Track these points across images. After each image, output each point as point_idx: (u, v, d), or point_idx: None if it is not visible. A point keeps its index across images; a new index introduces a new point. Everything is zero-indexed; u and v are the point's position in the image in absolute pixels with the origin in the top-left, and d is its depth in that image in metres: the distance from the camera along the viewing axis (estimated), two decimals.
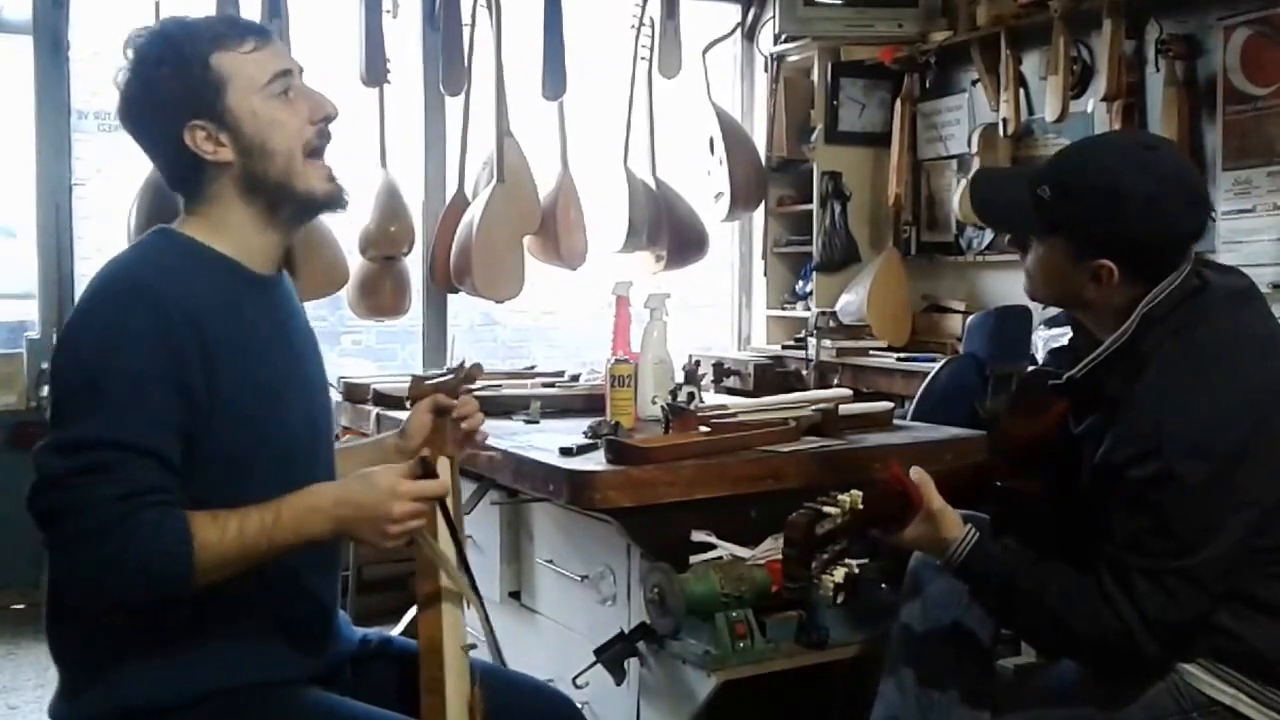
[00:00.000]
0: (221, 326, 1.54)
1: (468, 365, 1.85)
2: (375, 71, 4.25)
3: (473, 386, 1.85)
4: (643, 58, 4.72)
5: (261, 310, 1.64)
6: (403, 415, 1.94)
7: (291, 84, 1.62)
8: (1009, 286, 4.49)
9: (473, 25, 4.39)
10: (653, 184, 4.74)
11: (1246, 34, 3.64)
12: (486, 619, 1.72)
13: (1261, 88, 3.61)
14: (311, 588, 1.67)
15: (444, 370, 1.92)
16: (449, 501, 1.69)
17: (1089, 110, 4.11)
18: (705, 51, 4.92)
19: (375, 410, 3.04)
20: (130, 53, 1.60)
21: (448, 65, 4.38)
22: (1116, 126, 3.88)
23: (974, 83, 4.59)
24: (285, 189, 1.61)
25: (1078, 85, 4.10)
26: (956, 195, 4.53)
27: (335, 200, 1.66)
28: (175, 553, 1.41)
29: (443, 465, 1.73)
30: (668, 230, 4.72)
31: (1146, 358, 1.69)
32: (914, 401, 3.59)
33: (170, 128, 1.57)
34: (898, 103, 4.82)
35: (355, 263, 4.26)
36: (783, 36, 5.03)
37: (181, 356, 1.48)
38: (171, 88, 1.56)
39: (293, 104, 1.61)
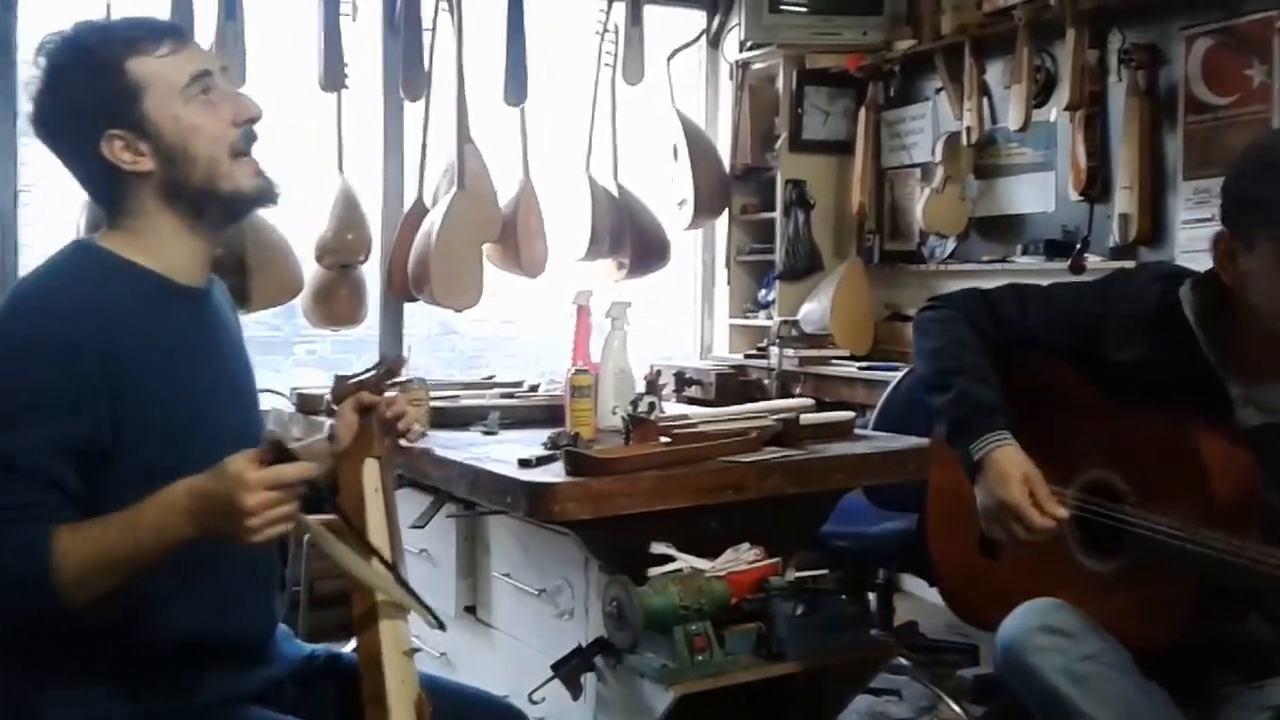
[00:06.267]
0: (137, 340, 1.49)
1: (389, 361, 1.81)
2: (334, 76, 4.20)
3: (397, 380, 1.80)
4: (606, 64, 4.69)
5: (185, 322, 1.58)
6: None
7: (211, 85, 1.56)
8: None
9: (434, 29, 4.35)
10: (615, 191, 4.71)
11: (1208, 44, 3.65)
12: (405, 587, 1.61)
13: (1222, 98, 3.62)
14: (246, 603, 1.62)
15: (367, 368, 1.86)
16: (378, 500, 1.64)
17: (1052, 119, 4.12)
18: (670, 58, 4.91)
19: (329, 422, 2.97)
20: (42, 60, 1.53)
21: (408, 70, 4.34)
22: (1079, 136, 3.90)
23: (938, 91, 4.59)
24: (209, 193, 1.56)
25: (1041, 94, 4.10)
26: (920, 204, 4.53)
27: (266, 195, 1.60)
28: (33, 563, 1.35)
29: (370, 467, 1.67)
30: (630, 238, 4.69)
31: None
32: (876, 411, 3.57)
33: (87, 139, 1.51)
34: (862, 111, 4.82)
35: (310, 270, 4.20)
36: (748, 44, 5.02)
37: (83, 375, 1.43)
38: (86, 96, 1.50)
39: (214, 106, 1.55)
